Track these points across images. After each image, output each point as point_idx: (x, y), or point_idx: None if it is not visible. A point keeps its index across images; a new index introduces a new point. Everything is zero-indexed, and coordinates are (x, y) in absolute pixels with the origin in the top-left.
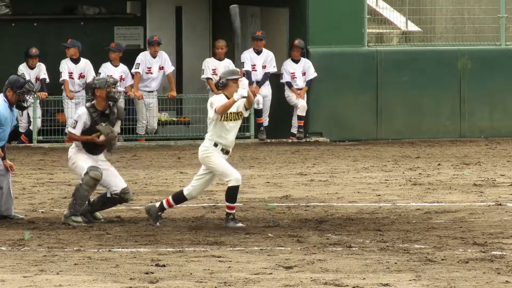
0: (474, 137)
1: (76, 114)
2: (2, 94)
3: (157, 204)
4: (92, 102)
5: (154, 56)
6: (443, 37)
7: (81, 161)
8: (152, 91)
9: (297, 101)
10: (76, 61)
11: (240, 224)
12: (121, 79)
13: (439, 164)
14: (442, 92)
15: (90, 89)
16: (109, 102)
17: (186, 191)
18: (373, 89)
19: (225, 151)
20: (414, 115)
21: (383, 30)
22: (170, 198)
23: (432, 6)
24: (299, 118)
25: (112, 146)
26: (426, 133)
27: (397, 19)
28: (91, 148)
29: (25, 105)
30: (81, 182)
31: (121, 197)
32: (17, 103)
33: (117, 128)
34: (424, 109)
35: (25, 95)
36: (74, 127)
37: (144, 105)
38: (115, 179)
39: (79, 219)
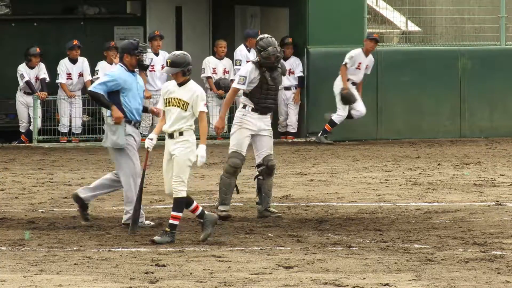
0: (474, 137)
1: (244, 70)
2: (119, 63)
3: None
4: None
5: (156, 54)
6: (443, 37)
7: (236, 138)
8: (158, 90)
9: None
10: (74, 61)
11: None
12: None
13: (439, 164)
14: (442, 92)
15: (256, 49)
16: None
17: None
18: (373, 89)
19: (169, 135)
20: (414, 115)
21: (383, 30)
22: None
23: (432, 6)
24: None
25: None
26: (426, 133)
27: (397, 19)
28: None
29: (146, 63)
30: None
31: (267, 166)
32: (138, 64)
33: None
34: (424, 109)
35: (143, 54)
36: (243, 83)
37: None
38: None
39: (227, 208)
